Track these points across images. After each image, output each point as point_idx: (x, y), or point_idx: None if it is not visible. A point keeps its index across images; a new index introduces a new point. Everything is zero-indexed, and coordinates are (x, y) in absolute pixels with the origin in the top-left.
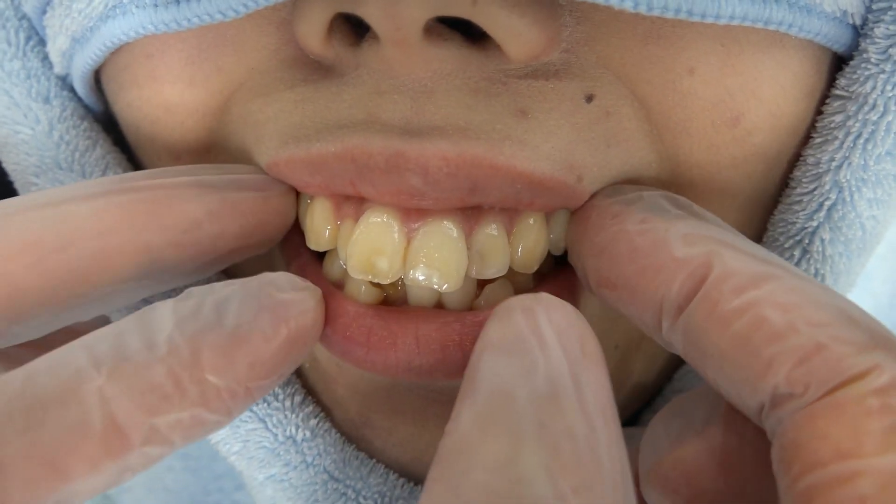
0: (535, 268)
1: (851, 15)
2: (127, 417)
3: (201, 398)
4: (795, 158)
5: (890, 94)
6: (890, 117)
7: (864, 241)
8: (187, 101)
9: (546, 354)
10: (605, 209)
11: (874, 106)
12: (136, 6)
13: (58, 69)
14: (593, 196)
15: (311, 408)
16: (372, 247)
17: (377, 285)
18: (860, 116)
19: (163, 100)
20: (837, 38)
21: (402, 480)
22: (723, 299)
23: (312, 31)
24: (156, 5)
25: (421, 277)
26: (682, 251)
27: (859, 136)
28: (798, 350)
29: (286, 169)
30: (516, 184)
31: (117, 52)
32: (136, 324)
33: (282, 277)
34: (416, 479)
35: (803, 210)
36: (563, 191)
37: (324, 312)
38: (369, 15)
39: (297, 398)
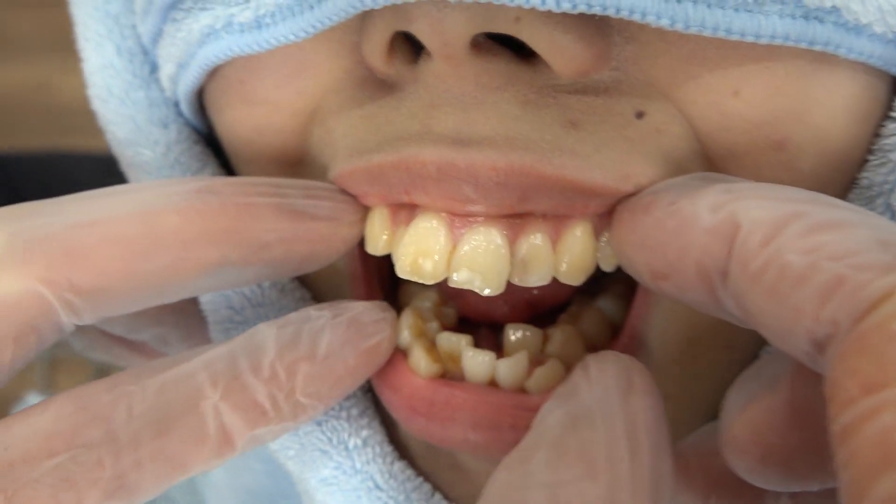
0: (582, 280)
1: None
2: (234, 429)
3: (292, 414)
4: (851, 183)
5: None
6: None
7: None
8: (274, 124)
9: (590, 388)
10: (635, 204)
11: None
12: (227, 32)
13: (168, 93)
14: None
15: (365, 420)
16: (419, 249)
17: (437, 360)
18: None
19: (254, 122)
20: (892, 60)
21: (445, 502)
22: (751, 256)
23: (375, 50)
24: (241, 31)
25: (464, 279)
26: (709, 220)
27: None
28: (820, 288)
29: (349, 180)
30: (567, 192)
31: (216, 77)
32: (245, 346)
33: (365, 313)
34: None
35: None
36: (618, 196)
37: (396, 336)
38: (420, 31)
39: (354, 411)
